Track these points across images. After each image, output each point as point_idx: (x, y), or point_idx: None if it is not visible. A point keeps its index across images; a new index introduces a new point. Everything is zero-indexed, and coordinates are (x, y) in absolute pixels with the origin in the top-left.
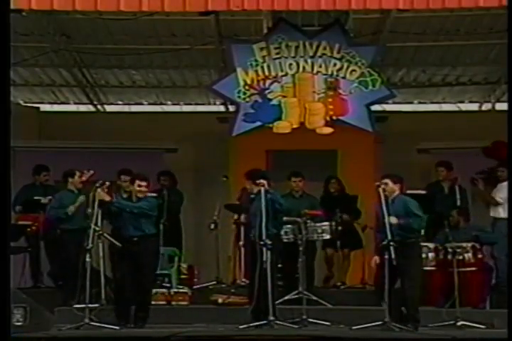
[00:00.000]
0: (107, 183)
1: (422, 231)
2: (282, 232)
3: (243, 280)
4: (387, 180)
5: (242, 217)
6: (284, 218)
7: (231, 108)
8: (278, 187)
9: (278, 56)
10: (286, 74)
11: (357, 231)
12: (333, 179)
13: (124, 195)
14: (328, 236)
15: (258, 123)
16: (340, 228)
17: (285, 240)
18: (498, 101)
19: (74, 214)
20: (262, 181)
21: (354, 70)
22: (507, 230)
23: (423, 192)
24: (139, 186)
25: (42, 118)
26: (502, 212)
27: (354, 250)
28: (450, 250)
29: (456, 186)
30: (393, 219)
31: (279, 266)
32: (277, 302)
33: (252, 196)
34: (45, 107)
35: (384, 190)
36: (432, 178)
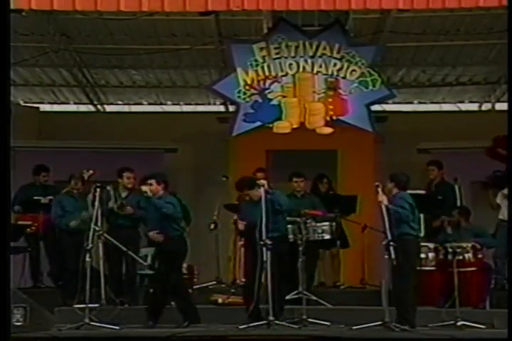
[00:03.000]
0: (108, 187)
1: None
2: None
3: (243, 280)
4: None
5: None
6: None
7: (231, 108)
8: (278, 187)
9: (278, 56)
10: (286, 74)
11: (343, 230)
12: (324, 178)
13: (123, 194)
14: (328, 236)
15: (258, 123)
16: (338, 228)
17: None
18: (498, 101)
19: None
20: (261, 181)
21: (354, 70)
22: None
23: (423, 192)
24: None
25: (42, 118)
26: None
27: (343, 249)
28: (450, 250)
29: (456, 186)
30: None
31: None
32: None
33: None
34: (45, 107)
35: (383, 190)
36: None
